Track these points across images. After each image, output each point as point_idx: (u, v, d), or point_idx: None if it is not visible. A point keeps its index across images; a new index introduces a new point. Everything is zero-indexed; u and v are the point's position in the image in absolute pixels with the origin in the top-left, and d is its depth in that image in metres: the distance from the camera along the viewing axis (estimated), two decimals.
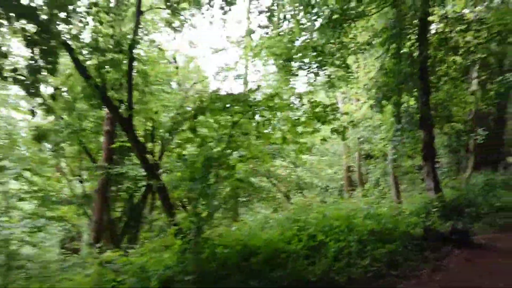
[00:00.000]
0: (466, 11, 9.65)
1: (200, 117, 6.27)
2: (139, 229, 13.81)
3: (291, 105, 7.15)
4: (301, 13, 9.29)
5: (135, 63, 8.72)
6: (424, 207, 8.09)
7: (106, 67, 7.53)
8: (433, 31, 9.44)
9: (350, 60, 11.34)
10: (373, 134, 13.74)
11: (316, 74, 9.99)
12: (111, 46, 7.52)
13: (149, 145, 12.61)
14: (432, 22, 9.39)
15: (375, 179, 16.40)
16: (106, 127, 11.71)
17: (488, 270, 5.30)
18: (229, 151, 6.24)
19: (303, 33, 9.37)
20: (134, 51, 8.11)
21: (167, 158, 12.27)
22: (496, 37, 8.07)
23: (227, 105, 5.90)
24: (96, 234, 11.31)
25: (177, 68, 14.70)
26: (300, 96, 6.92)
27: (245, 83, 16.49)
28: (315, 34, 9.24)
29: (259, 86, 5.65)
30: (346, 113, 6.72)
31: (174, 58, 17.07)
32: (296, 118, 7.23)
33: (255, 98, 6.68)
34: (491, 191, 9.23)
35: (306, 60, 9.96)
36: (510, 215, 7.59)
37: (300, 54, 9.51)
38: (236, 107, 6.16)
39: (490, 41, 8.23)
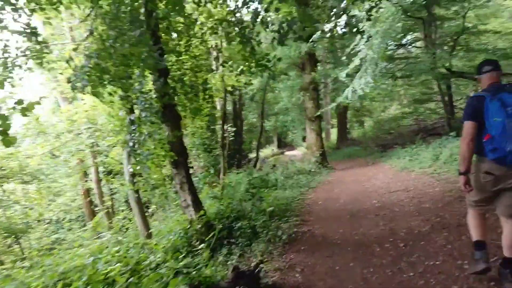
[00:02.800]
0: None
1: None
2: None
3: None
4: None
5: None
6: (183, 238, 5.26)
7: None
8: None
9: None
10: (102, 140, 9.96)
11: None
12: None
13: None
14: None
15: (116, 202, 12.63)
16: None
17: None
18: None
19: None
20: None
21: None
22: None
23: None
24: None
25: None
26: None
27: None
28: None
29: None
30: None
31: None
32: None
33: None
34: (257, 193, 7.54)
35: None
36: (287, 226, 5.82)
37: None
38: None
39: None
